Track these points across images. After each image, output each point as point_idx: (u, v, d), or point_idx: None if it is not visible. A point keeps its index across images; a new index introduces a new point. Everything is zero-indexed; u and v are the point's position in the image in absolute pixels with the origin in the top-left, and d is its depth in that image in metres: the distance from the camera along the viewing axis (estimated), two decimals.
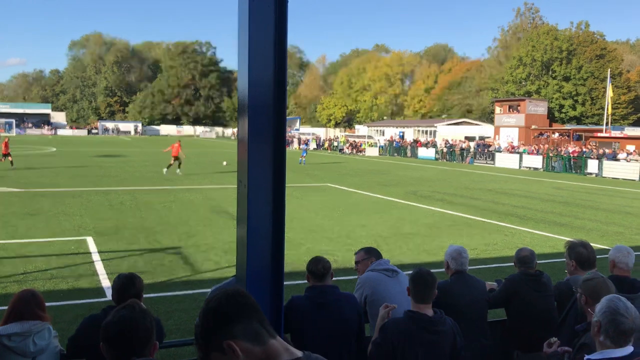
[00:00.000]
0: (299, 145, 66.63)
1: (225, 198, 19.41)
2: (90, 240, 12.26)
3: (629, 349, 2.85)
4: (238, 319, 1.72)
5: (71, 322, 6.78)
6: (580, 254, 4.46)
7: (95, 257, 10.91)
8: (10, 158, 28.66)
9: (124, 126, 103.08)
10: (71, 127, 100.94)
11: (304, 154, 40.74)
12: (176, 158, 27.94)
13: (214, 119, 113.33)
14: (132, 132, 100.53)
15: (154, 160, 37.35)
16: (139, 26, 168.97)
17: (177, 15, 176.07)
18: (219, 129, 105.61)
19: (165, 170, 27.91)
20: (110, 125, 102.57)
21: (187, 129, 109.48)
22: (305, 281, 4.38)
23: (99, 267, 10.18)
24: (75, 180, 24.28)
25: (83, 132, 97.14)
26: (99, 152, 46.03)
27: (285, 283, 8.93)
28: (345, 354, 4.10)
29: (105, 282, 9.06)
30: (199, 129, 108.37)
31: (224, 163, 34.77)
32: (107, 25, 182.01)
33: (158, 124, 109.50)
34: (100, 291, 8.60)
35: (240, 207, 2.56)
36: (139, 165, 32.87)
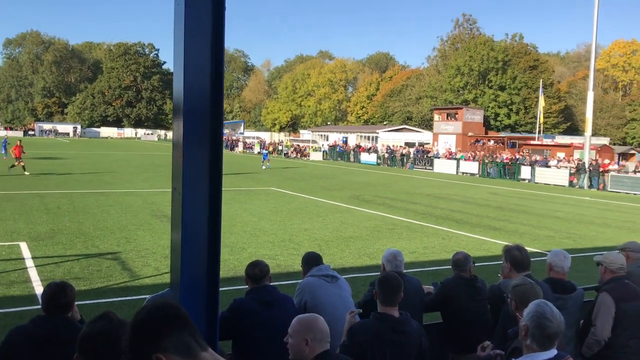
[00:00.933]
0: (244, 149, 66.24)
1: (165, 201, 19.06)
2: (23, 246, 11.79)
3: (552, 352, 2.97)
4: (168, 331, 1.66)
5: (0, 331, 6.51)
6: (515, 257, 4.64)
7: (29, 263, 10.51)
8: (22, 163, 27.75)
9: (63, 128, 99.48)
10: (5, 128, 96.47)
11: (266, 158, 40.29)
12: (18, 159, 27.61)
13: (156, 122, 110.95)
14: (71, 134, 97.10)
15: (93, 163, 36.27)
16: (79, 26, 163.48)
17: (119, 16, 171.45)
18: (161, 132, 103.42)
19: (10, 168, 27.38)
20: (47, 126, 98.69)
21: (129, 131, 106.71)
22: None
23: (33, 273, 9.81)
24: (8, 182, 23.28)
25: (19, 134, 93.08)
26: (36, 154, 44.27)
27: (227, 288, 8.89)
28: None
29: (39, 289, 8.73)
30: (141, 132, 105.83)
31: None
32: (45, 24, 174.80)
33: (98, 126, 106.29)
34: (33, 299, 8.29)
35: (175, 213, 2.54)
36: (77, 168, 31.81)
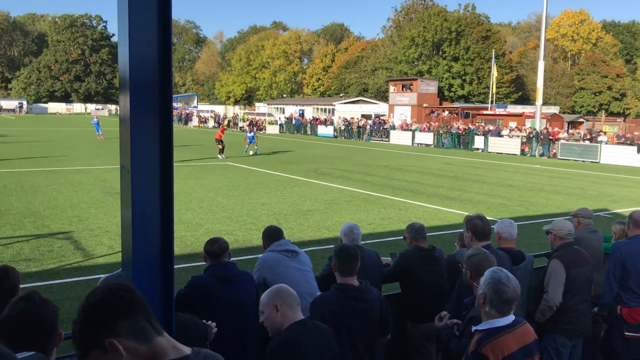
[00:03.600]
0: (200, 122, 64.78)
1: (117, 178, 18.58)
2: None
3: (510, 318, 3.05)
4: (121, 315, 1.60)
5: None
6: (476, 226, 4.71)
7: None
8: None
9: (7, 104, 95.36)
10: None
11: (253, 141, 30.20)
12: None
13: (107, 96, 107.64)
14: (17, 111, 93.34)
15: (42, 141, 35.05)
16: None
17: None
18: (112, 107, 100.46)
19: None
20: None
21: (78, 107, 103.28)
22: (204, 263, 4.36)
23: None
24: None
25: None
26: None
27: (184, 265, 8.78)
28: (250, 326, 4.16)
29: None
30: (91, 107, 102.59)
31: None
32: None
33: (46, 102, 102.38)
34: None
35: (124, 191, 2.43)
36: (24, 146, 30.68)
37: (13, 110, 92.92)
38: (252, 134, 30.99)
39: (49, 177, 19.00)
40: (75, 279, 8.40)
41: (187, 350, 1.72)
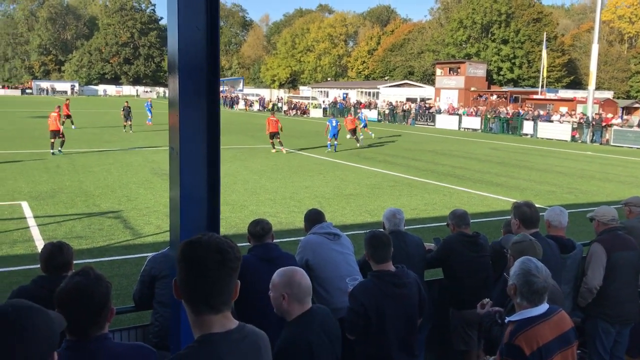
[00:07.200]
0: (246, 106, 65.18)
1: (165, 159, 18.96)
2: (25, 205, 11.83)
3: (544, 307, 2.99)
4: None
5: (5, 290, 6.56)
6: (524, 213, 4.63)
7: (31, 222, 10.56)
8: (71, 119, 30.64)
9: (60, 86, 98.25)
10: (3, 87, 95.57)
11: (364, 125, 27.55)
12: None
13: (155, 79, 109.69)
14: (69, 92, 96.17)
15: (92, 122, 36.07)
16: None
17: None
18: (160, 89, 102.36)
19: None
20: (45, 85, 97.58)
21: (127, 89, 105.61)
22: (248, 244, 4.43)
23: (35, 232, 9.86)
24: (8, 142, 23.20)
25: (16, 92, 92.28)
26: (34, 113, 44.05)
27: None
28: None
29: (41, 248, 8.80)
30: (140, 89, 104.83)
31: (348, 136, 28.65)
32: None
33: (96, 84, 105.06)
34: (36, 257, 8.26)
35: (173, 172, 2.50)
36: (76, 127, 31.63)
37: (65, 92, 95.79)
38: (361, 113, 26.32)
39: (99, 157, 19.58)
40: (124, 257, 8.68)
41: (232, 325, 1.90)
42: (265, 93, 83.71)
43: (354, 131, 26.72)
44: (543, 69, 49.13)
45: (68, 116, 30.33)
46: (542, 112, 39.11)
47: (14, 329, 1.55)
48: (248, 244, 4.47)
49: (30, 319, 1.60)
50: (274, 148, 23.11)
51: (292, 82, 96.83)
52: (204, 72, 2.40)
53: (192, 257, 1.86)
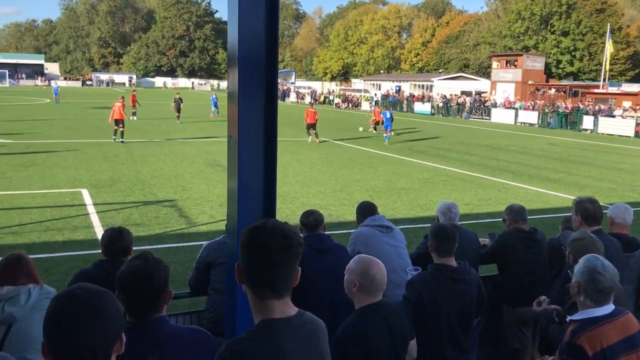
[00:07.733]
0: (297, 99, 65.56)
1: (219, 151, 19.36)
2: (85, 193, 12.28)
3: (610, 307, 2.86)
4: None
5: (66, 273, 6.85)
6: (587, 210, 4.46)
7: (91, 209, 10.96)
8: (134, 111, 32.22)
9: (119, 78, 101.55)
10: (65, 79, 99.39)
11: (386, 127, 24.57)
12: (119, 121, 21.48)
13: (209, 71, 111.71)
14: (127, 84, 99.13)
15: (149, 113, 37.04)
16: None
17: None
18: (214, 82, 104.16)
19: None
20: (104, 77, 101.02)
21: (183, 81, 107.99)
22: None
23: (94, 219, 10.23)
24: (69, 132, 24.13)
25: (77, 84, 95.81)
26: (94, 103, 45.63)
27: None
28: (342, 295, 4.21)
29: (101, 234, 9.11)
30: (195, 81, 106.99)
31: (360, 129, 29.79)
32: None
33: (153, 76, 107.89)
34: (95, 243, 8.65)
35: (231, 161, 2.55)
36: (137, 119, 32.56)
37: (123, 84, 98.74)
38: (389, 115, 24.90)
39: (155, 147, 20.10)
40: (179, 245, 8.90)
41: (292, 312, 1.95)
42: (317, 86, 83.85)
43: (377, 123, 26.53)
44: (606, 61, 47.22)
45: (133, 107, 32.46)
46: (603, 107, 37.66)
47: (86, 310, 1.60)
48: (300, 234, 4.50)
49: (101, 300, 1.65)
50: (310, 137, 23.84)
51: (344, 75, 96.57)
52: (263, 63, 2.43)
53: (257, 242, 1.89)
